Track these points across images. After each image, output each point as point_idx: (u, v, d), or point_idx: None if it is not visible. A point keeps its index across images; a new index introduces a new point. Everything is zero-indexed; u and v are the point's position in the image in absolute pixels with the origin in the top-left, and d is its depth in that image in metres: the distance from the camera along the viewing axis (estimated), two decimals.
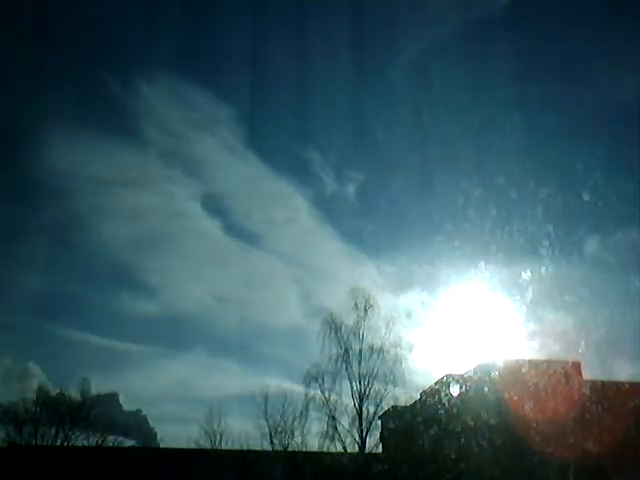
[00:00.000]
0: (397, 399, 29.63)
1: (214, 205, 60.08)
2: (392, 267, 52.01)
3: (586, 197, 22.77)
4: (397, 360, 29.35)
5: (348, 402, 29.68)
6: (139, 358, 57.83)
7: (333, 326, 30.12)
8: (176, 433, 44.27)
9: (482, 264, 24.29)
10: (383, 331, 29.84)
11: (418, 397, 29.28)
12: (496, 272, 24.85)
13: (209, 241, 57.21)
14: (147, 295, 60.20)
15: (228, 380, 54.23)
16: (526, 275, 23.72)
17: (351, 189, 57.01)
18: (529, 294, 23.80)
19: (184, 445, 32.64)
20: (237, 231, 61.18)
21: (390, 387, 29.41)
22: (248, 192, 54.46)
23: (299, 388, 30.09)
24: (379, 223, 56.40)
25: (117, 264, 53.11)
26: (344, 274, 54.76)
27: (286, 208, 58.08)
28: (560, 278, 24.66)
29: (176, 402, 51.94)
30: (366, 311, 30.16)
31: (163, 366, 57.92)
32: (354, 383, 29.66)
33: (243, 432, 31.56)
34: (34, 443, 33.04)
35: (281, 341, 53.34)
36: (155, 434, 44.61)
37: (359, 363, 29.78)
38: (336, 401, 29.65)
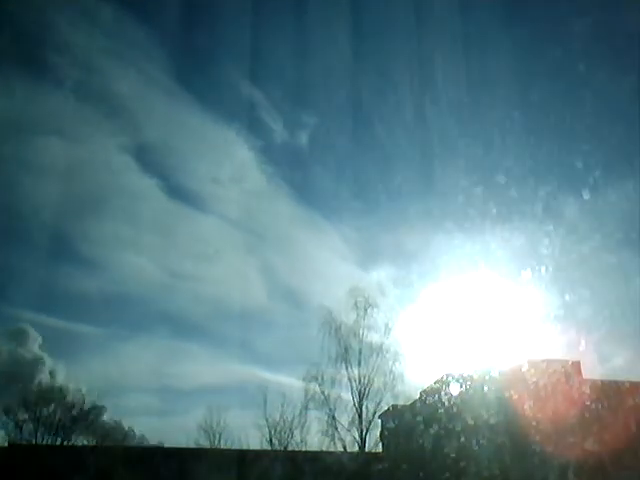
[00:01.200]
0: (397, 398, 29.71)
1: (150, 159, 50.70)
2: (359, 236, 49.13)
3: (586, 196, 22.76)
4: (397, 359, 29.41)
5: (348, 401, 29.76)
6: (97, 341, 49.65)
7: (333, 325, 30.16)
8: (152, 427, 41.70)
9: (481, 261, 24.29)
10: (383, 330, 29.89)
11: (418, 396, 29.28)
12: (496, 269, 24.85)
13: (149, 204, 49.03)
14: (90, 269, 49.33)
15: (199, 368, 48.56)
16: (526, 273, 23.69)
17: (304, 137, 49.72)
18: (529, 293, 23.80)
19: (183, 444, 32.73)
20: (179, 192, 51.91)
21: (390, 386, 29.46)
22: (187, 143, 47.14)
23: (299, 387, 30.11)
24: (340, 180, 50.38)
25: (51, 231, 44.45)
26: (304, 244, 49.78)
27: (233, 163, 50.82)
28: (561, 277, 24.61)
29: (148, 393, 47.36)
30: (366, 310, 30.21)
31: (125, 351, 49.58)
32: (354, 382, 29.73)
33: (242, 431, 31.66)
34: (34, 443, 33.05)
35: (245, 323, 47.65)
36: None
37: (359, 362, 29.85)
38: (336, 400, 29.74)
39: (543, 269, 22.62)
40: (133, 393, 45.42)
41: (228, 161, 50.38)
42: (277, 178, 51.60)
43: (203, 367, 47.40)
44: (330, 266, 48.17)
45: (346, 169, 49.36)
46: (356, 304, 30.21)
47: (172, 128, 45.11)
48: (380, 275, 46.42)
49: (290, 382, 40.29)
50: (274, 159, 49.52)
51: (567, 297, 23.42)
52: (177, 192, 50.37)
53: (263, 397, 30.88)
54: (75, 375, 39.84)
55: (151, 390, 46.75)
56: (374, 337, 30.05)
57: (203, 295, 49.77)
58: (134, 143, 45.69)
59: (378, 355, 29.80)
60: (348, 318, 30.24)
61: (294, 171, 53.18)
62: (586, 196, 22.56)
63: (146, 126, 47.01)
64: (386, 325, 29.93)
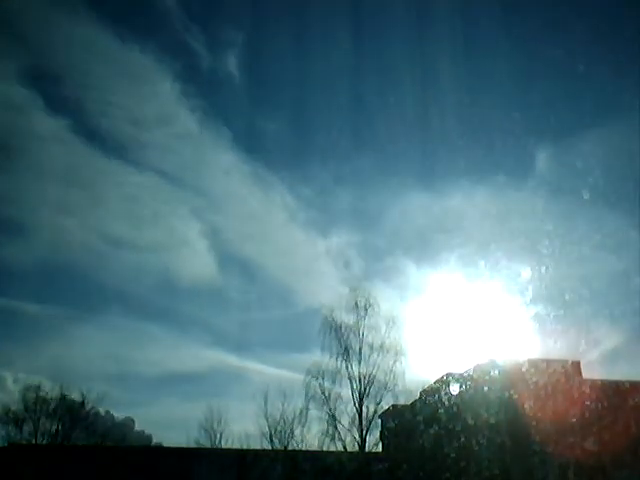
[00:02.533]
0: (397, 398, 29.67)
1: (56, 94, 40.10)
2: (312, 192, 43.79)
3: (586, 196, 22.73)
4: (397, 359, 29.40)
5: (348, 401, 29.70)
6: (46, 323, 45.17)
7: (333, 325, 30.14)
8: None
9: (481, 261, 24.27)
10: (383, 330, 29.88)
11: (418, 396, 29.27)
12: (495, 270, 24.82)
13: (64, 152, 40.27)
14: (18, 236, 43.62)
15: (163, 352, 44.89)
16: (526, 274, 23.67)
17: (232, 61, 38.72)
18: (529, 293, 23.77)
19: (184, 444, 32.76)
20: (96, 137, 43.03)
21: (390, 386, 29.45)
22: (96, 70, 36.06)
23: (299, 387, 30.08)
24: (284, 120, 41.29)
25: None
26: (250, 203, 43.31)
27: (155, 99, 41.00)
28: (561, 277, 24.61)
29: (109, 381, 43.10)
30: (366, 310, 30.19)
31: (80, 334, 44.06)
32: (354, 382, 29.69)
33: (243, 431, 31.68)
34: (34, 442, 33.05)
35: (199, 300, 44.40)
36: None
37: (359, 362, 29.81)
38: (336, 400, 29.68)
39: (543, 269, 22.60)
40: (92, 382, 39.44)
41: (149, 95, 40.44)
42: (210, 118, 42.65)
43: (167, 352, 44.26)
44: (282, 230, 44.54)
45: (290, 104, 39.88)
46: (356, 304, 30.22)
47: (75, 52, 36.14)
48: (340, 241, 42.98)
49: (260, 369, 39.57)
50: (202, 92, 38.88)
51: (567, 297, 23.42)
52: (93, 137, 40.00)
53: (264, 397, 30.89)
54: (29, 362, 36.82)
55: (113, 378, 42.09)
56: (374, 336, 30.04)
57: (145, 266, 43.85)
58: (35, 72, 35.71)
59: (378, 355, 29.81)
60: (348, 318, 30.25)
61: (227, 108, 43.18)
62: (586, 196, 22.54)
63: (47, 51, 37.83)
64: (386, 324, 29.92)
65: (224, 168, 43.25)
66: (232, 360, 41.33)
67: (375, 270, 43.18)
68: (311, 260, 37.22)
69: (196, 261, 44.61)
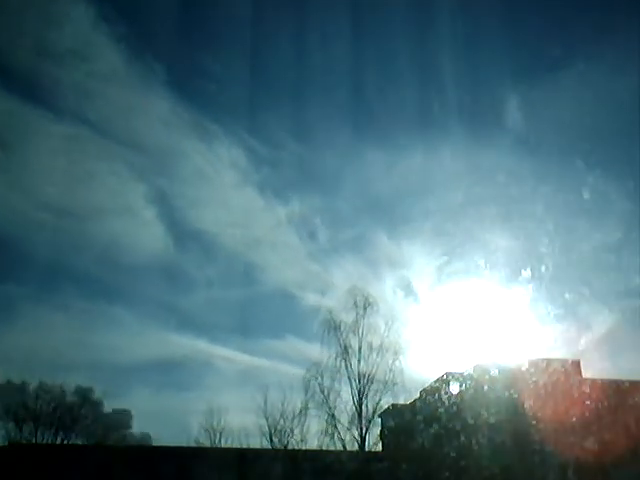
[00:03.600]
0: (396, 397, 29.60)
1: None
2: (265, 148, 37.37)
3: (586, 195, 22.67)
4: (396, 358, 29.35)
5: (347, 400, 29.64)
6: None
7: (332, 324, 30.08)
8: None
9: (482, 260, 24.24)
10: (382, 329, 29.84)
11: (418, 395, 29.24)
12: (496, 270, 24.78)
13: None
14: None
15: (131, 338, 39.67)
16: (526, 273, 23.66)
17: None
18: (529, 292, 23.75)
19: (184, 443, 32.76)
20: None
21: (389, 385, 29.41)
22: None
23: (299, 386, 30.05)
24: (229, 56, 32.52)
25: None
26: (195, 161, 37.49)
27: (67, 25, 31.32)
28: (561, 276, 24.58)
29: (79, 371, 36.33)
30: (365, 309, 30.13)
31: (38, 315, 38.59)
32: (353, 381, 29.63)
33: (243, 430, 31.67)
34: (34, 442, 33.06)
35: (154, 275, 39.65)
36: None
37: (358, 361, 29.74)
38: (335, 399, 29.61)
39: (543, 269, 22.57)
40: (62, 372, 34.57)
41: (59, 19, 31.12)
42: (137, 52, 32.46)
43: (133, 337, 38.39)
44: (236, 194, 39.77)
45: (237, 38, 31.43)
46: (355, 302, 30.16)
47: None
48: (302, 207, 39.32)
49: (234, 356, 38.19)
50: (126, 16, 29.31)
51: (567, 296, 23.40)
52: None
53: (264, 397, 30.88)
54: None
55: (82, 367, 36.75)
56: (374, 335, 29.98)
57: (89, 236, 37.50)
58: None
59: (378, 354, 29.75)
60: (348, 317, 30.19)
61: (158, 38, 32.01)
62: (586, 196, 22.50)
63: None
64: (386, 323, 29.87)
65: (161, 117, 36.00)
66: (202, 346, 39.18)
67: (342, 241, 40.65)
68: (272, 230, 34.72)
69: (145, 231, 39.62)
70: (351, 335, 29.97)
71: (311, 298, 35.93)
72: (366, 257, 39.79)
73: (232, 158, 38.75)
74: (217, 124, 38.73)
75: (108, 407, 36.28)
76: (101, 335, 38.12)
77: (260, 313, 36.15)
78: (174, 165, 39.67)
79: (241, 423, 31.19)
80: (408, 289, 39.84)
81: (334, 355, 29.60)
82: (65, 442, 33.73)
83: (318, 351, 28.45)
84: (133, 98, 34.12)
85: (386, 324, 29.82)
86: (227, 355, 38.27)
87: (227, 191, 40.21)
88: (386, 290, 35.10)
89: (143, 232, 39.53)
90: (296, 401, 30.34)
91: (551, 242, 22.37)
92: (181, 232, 39.72)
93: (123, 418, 38.09)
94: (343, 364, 29.63)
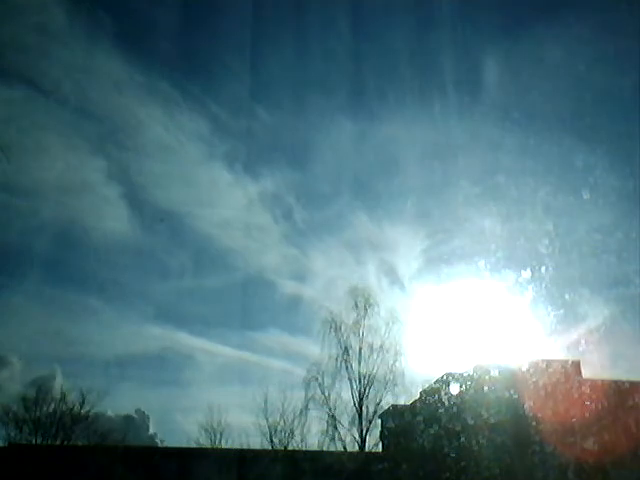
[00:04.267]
0: (397, 398, 29.68)
1: None
2: (227, 113, 33.99)
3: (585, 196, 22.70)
4: (397, 359, 29.40)
5: (348, 401, 29.73)
6: None
7: (333, 325, 30.16)
8: None
9: (481, 261, 24.23)
10: (383, 330, 29.89)
11: (418, 396, 29.28)
12: (496, 270, 24.79)
13: None
14: None
15: (109, 331, 37.31)
16: (526, 273, 23.66)
17: None
18: (529, 292, 23.76)
19: (184, 444, 32.74)
20: None
21: (390, 386, 29.45)
22: None
23: (299, 387, 30.10)
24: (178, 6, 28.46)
25: None
26: (156, 132, 33.74)
27: None
28: (560, 276, 24.60)
29: (61, 365, 35.03)
30: (366, 310, 30.21)
31: (11, 304, 35.00)
32: (354, 382, 29.72)
33: (243, 431, 31.67)
34: (34, 442, 33.01)
35: (121, 261, 36.75)
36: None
37: (359, 362, 29.84)
38: (336, 400, 29.71)
39: (543, 269, 22.60)
40: (36, 363, 33.94)
41: None
42: (79, 2, 27.93)
43: (111, 329, 36.33)
44: (202, 169, 36.88)
45: None
46: (356, 303, 30.23)
47: None
48: (274, 184, 36.69)
49: (217, 350, 36.76)
50: None
51: (567, 297, 23.42)
52: None
53: (264, 397, 30.88)
54: None
55: (60, 360, 35.19)
56: (374, 336, 30.04)
57: (45, 216, 34.25)
58: None
59: (378, 355, 29.81)
60: (348, 317, 30.25)
61: None
62: (586, 196, 22.53)
63: None
64: (386, 324, 29.92)
65: (112, 79, 31.69)
66: (183, 338, 36.91)
67: (320, 222, 38.52)
68: (244, 210, 32.67)
69: (108, 212, 35.48)
70: (352, 336, 30.09)
71: (290, 286, 34.91)
72: (346, 239, 37.58)
73: (195, 128, 35.09)
74: (176, 89, 34.48)
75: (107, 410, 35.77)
76: (79, 327, 36.34)
77: (239, 303, 33.62)
78: (133, 136, 34.78)
79: (229, 420, 30.95)
80: (393, 275, 38.75)
81: (334, 356, 29.72)
82: (65, 443, 33.66)
83: (302, 345, 28.30)
84: (79, 58, 29.57)
85: (386, 325, 29.93)
86: (209, 348, 36.77)
87: (192, 166, 36.65)
88: (369, 277, 34.25)
89: (106, 212, 35.81)
90: (296, 401, 30.42)
91: (550, 238, 22.33)
92: (147, 213, 36.50)
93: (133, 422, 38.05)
94: (343, 365, 29.76)
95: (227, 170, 37.54)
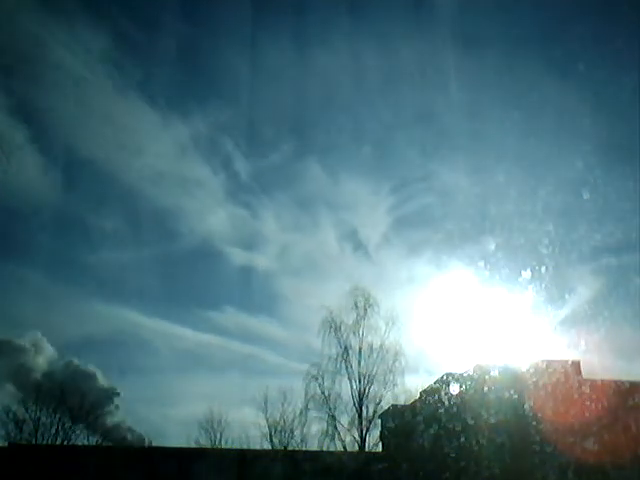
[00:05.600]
0: (397, 398, 29.66)
1: None
2: (148, 37, 26.89)
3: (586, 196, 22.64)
4: (397, 359, 29.38)
5: (348, 401, 29.69)
6: None
7: (333, 325, 30.12)
8: None
9: (482, 261, 24.18)
10: (383, 330, 29.88)
11: (418, 396, 29.26)
12: (496, 270, 24.75)
13: None
14: None
15: (55, 309, 33.96)
16: (526, 274, 23.62)
17: None
18: (529, 293, 23.73)
19: (184, 444, 32.76)
20: None
21: (390, 386, 29.44)
22: None
23: (299, 387, 30.08)
24: None
25: None
26: (58, 55, 26.66)
27: None
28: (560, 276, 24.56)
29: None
30: (366, 310, 30.18)
31: None
32: (354, 382, 29.68)
33: (243, 431, 31.68)
34: (34, 442, 33.04)
35: (44, 225, 31.77)
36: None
37: (359, 362, 29.79)
38: (336, 400, 29.66)
39: (543, 269, 22.57)
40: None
41: None
42: None
43: (60, 309, 31.05)
44: (119, 106, 29.90)
45: None
46: (356, 303, 30.20)
47: None
48: (208, 123, 29.46)
49: (173, 331, 32.95)
50: None
51: (567, 297, 23.41)
52: None
53: (264, 397, 30.90)
54: None
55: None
56: (374, 336, 30.02)
57: None
58: None
59: (378, 354, 29.79)
60: (348, 317, 30.23)
61: None
62: (586, 196, 22.48)
63: None
64: (386, 324, 29.90)
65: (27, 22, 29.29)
66: (135, 319, 33.01)
67: (266, 174, 31.55)
68: (176, 159, 26.85)
69: (19, 162, 29.13)
70: (351, 336, 30.05)
71: (241, 255, 30.87)
72: (298, 196, 32.12)
73: (102, 49, 27.50)
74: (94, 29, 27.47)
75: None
76: (28, 306, 31.76)
77: (188, 277, 29.94)
78: (31, 61, 28.52)
79: (186, 416, 28.69)
80: (355, 240, 33.73)
81: (334, 356, 29.70)
82: (65, 443, 33.70)
83: (263, 326, 25.85)
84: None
85: (386, 325, 29.91)
86: (165, 330, 32.89)
87: (107, 98, 29.08)
88: (329, 242, 30.14)
89: (15, 162, 30.46)
90: (296, 402, 30.42)
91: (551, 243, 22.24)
92: (66, 163, 30.53)
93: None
94: (343, 365, 29.72)
95: (149, 106, 30.25)
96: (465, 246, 23.37)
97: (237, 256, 33.82)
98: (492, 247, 23.14)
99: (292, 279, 25.81)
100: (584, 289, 24.63)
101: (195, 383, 32.46)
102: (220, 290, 33.73)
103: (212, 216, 34.39)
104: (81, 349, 33.16)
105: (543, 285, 22.76)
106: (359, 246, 31.72)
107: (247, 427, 31.48)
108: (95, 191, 33.23)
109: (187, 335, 30.44)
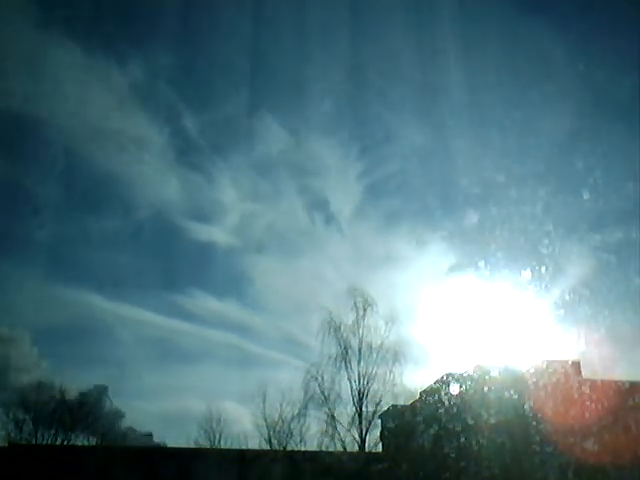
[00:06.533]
0: (397, 398, 29.63)
1: None
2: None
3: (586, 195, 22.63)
4: (396, 359, 29.37)
5: (347, 401, 29.67)
6: None
7: (332, 325, 30.11)
8: None
9: (482, 261, 24.16)
10: (382, 330, 29.86)
11: (418, 396, 29.24)
12: (496, 270, 24.73)
13: None
14: None
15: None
16: (526, 273, 23.60)
17: None
18: (530, 292, 23.71)
19: (184, 444, 32.76)
20: None
21: (389, 386, 29.42)
22: None
23: (298, 387, 30.05)
24: None
25: None
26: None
27: None
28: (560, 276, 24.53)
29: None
30: (365, 310, 30.17)
31: None
32: (353, 382, 29.66)
33: (242, 431, 31.70)
34: (34, 442, 33.05)
35: None
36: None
37: (358, 362, 29.78)
38: (335, 400, 29.64)
39: (543, 269, 22.54)
40: None
41: None
42: None
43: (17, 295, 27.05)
44: (37, 42, 25.25)
45: None
46: (355, 303, 30.20)
47: None
48: (147, 71, 25.54)
49: (140, 317, 30.09)
50: None
51: (567, 297, 23.37)
52: None
53: (262, 397, 30.88)
54: None
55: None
56: (374, 336, 30.00)
57: None
58: None
59: (378, 354, 29.77)
60: (347, 317, 30.22)
61: None
62: (586, 196, 22.47)
63: None
64: (386, 324, 29.89)
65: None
66: (97, 303, 29.47)
67: (218, 131, 27.65)
68: (115, 113, 23.39)
69: None
70: (351, 336, 30.04)
71: (200, 230, 26.87)
72: (257, 158, 27.66)
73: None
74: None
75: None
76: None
77: (143, 255, 26.40)
78: None
79: (161, 410, 26.43)
80: (325, 211, 29.05)
81: (334, 356, 29.69)
82: (65, 443, 33.71)
83: (231, 310, 23.91)
84: None
85: (386, 325, 29.90)
86: (132, 316, 29.45)
87: (26, 36, 24.45)
88: (296, 213, 26.40)
89: None
90: (295, 402, 30.41)
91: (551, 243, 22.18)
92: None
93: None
94: (343, 365, 29.71)
95: (78, 47, 24.58)
96: (444, 220, 21.61)
97: (195, 231, 30.70)
98: (474, 220, 21.99)
99: (259, 257, 23.08)
100: (584, 289, 24.57)
101: (168, 375, 30.21)
102: (182, 270, 31.64)
103: (163, 182, 30.31)
104: (36, 338, 29.02)
105: (543, 285, 22.76)
106: (330, 218, 28.23)
107: (243, 425, 31.49)
108: (26, 152, 27.55)
109: (155, 321, 27.57)
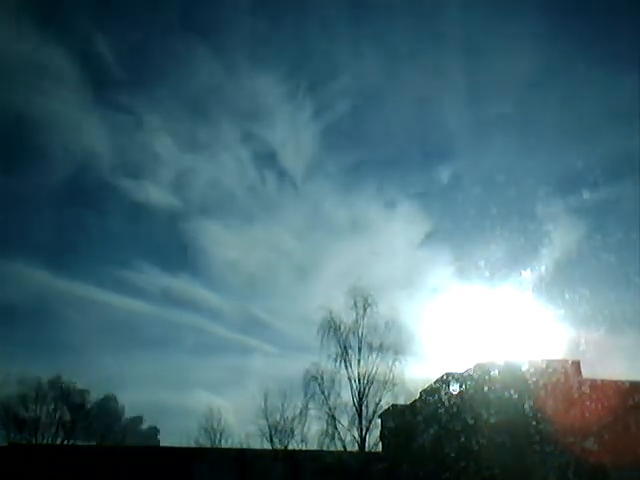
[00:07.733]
0: (396, 398, 29.67)
1: None
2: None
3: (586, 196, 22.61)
4: (396, 358, 29.39)
5: (348, 401, 29.71)
6: None
7: (332, 325, 30.12)
8: None
9: (482, 262, 24.17)
10: (382, 329, 29.87)
11: (418, 396, 29.25)
12: (496, 270, 24.74)
13: None
14: None
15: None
16: (526, 273, 23.62)
17: None
18: (529, 292, 23.72)
19: (184, 444, 32.77)
20: None
21: (389, 385, 29.44)
22: None
23: (299, 387, 30.07)
24: None
25: None
26: None
27: None
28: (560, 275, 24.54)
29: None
30: (365, 310, 30.17)
31: None
32: (353, 382, 29.69)
33: (243, 431, 31.72)
34: (34, 442, 33.05)
35: None
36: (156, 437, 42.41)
37: (358, 362, 29.80)
38: (336, 400, 29.68)
39: (543, 269, 22.55)
40: None
41: None
42: None
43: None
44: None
45: None
46: (355, 303, 30.20)
47: None
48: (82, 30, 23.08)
49: (92, 296, 27.09)
50: None
51: (567, 297, 23.38)
52: None
53: (264, 397, 30.91)
54: None
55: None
56: (374, 336, 30.01)
57: None
58: None
59: (378, 354, 29.79)
60: (347, 317, 30.22)
61: None
62: (586, 196, 22.47)
63: None
64: (386, 324, 29.89)
65: None
66: (46, 278, 26.58)
67: (137, 58, 25.09)
68: (12, 34, 21.58)
69: None
70: (351, 336, 30.05)
71: (134, 189, 24.42)
72: (189, 96, 23.69)
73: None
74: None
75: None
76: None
77: (82, 223, 23.75)
78: None
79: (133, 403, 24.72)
80: (276, 168, 25.85)
81: (334, 356, 29.70)
82: (65, 442, 33.71)
83: (186, 287, 22.37)
84: None
85: (386, 325, 29.90)
86: (82, 294, 26.22)
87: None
88: (244, 168, 22.67)
89: None
90: (296, 402, 30.44)
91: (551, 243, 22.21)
92: None
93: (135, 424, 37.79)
94: (343, 365, 29.72)
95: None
96: (413, 176, 19.81)
97: (129, 189, 26.39)
98: (444, 178, 21.20)
99: (205, 221, 19.61)
100: (584, 289, 24.57)
101: (132, 363, 25.97)
102: (123, 239, 26.89)
103: (85, 125, 25.60)
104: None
105: (543, 285, 22.77)
106: (283, 176, 24.53)
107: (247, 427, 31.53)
108: None
109: (108, 301, 24.04)
